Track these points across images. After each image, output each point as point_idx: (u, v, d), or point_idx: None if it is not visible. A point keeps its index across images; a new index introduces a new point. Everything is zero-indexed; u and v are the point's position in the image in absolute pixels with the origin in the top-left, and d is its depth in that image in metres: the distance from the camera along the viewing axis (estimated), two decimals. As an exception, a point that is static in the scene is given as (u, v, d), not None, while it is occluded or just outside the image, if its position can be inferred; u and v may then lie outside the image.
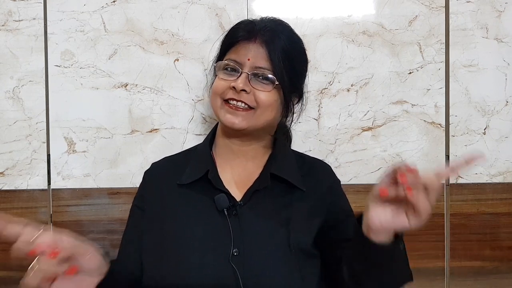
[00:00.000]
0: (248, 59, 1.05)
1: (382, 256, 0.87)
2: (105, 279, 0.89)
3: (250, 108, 1.05)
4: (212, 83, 1.11)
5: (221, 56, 1.11)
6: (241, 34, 1.07)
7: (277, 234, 1.04)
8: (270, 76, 1.04)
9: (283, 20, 1.13)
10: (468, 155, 0.82)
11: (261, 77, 1.05)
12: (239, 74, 1.05)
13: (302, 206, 1.05)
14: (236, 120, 1.05)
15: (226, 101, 1.06)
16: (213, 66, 1.14)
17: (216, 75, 1.09)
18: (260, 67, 1.04)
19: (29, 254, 0.80)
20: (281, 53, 1.05)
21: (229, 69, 1.07)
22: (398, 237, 0.87)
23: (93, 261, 0.87)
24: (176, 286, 0.96)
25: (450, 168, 0.85)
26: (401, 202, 0.82)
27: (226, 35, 1.11)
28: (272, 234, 1.04)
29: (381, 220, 0.84)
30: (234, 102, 1.05)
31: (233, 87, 1.04)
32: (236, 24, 1.12)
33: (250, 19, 1.13)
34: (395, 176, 0.82)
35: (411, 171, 0.81)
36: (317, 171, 1.14)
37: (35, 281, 0.80)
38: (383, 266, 0.89)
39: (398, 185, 0.82)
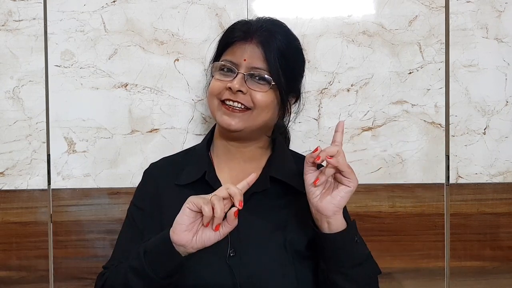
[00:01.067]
0: (244, 60, 1.05)
1: (341, 240, 0.97)
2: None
3: (247, 108, 1.05)
4: (209, 84, 1.11)
5: (217, 56, 1.11)
6: (237, 34, 1.07)
7: (274, 235, 1.05)
8: (266, 76, 1.04)
9: (281, 20, 1.13)
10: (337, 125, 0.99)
11: (257, 78, 1.05)
12: (235, 74, 1.05)
13: (300, 208, 1.05)
14: (233, 122, 1.05)
15: (223, 102, 1.06)
16: (210, 67, 1.14)
17: (213, 76, 1.10)
18: (256, 68, 1.04)
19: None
20: (277, 53, 1.05)
21: (225, 69, 1.07)
22: (348, 225, 0.99)
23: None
24: (173, 286, 0.96)
25: (334, 135, 0.99)
26: (327, 183, 0.97)
27: (222, 36, 1.12)
28: (268, 235, 1.04)
29: (332, 202, 0.96)
30: (231, 102, 1.05)
31: (229, 88, 1.04)
32: (232, 25, 1.12)
33: (246, 19, 1.13)
34: (312, 164, 0.96)
35: (316, 150, 0.95)
36: None
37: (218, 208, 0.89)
38: (343, 254, 0.98)
39: (318, 170, 0.97)
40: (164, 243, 0.93)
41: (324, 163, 0.96)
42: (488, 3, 1.40)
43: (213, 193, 0.91)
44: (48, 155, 1.37)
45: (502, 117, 1.41)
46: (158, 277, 0.93)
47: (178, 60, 1.38)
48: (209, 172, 1.09)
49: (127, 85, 1.38)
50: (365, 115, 1.40)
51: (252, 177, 0.94)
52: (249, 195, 1.05)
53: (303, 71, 1.16)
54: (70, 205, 1.37)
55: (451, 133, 1.41)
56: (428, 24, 1.39)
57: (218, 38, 1.14)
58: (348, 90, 1.40)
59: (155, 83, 1.38)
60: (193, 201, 0.90)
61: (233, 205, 0.91)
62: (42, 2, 1.36)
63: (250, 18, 1.17)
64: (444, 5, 1.39)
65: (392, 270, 1.39)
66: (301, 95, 1.16)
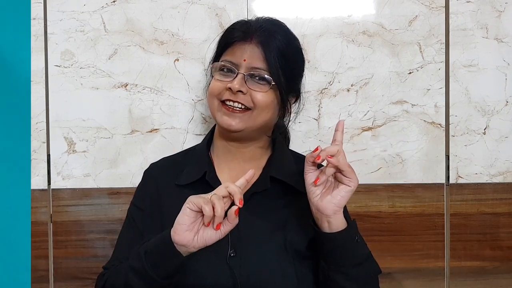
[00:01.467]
0: (244, 60, 1.04)
1: (342, 239, 0.97)
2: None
3: (247, 109, 1.05)
4: (209, 84, 1.11)
5: (217, 57, 1.11)
6: (236, 35, 1.07)
7: (274, 235, 1.04)
8: (266, 76, 1.04)
9: (281, 20, 1.13)
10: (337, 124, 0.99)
11: (257, 78, 1.05)
12: (235, 75, 1.05)
13: (300, 208, 1.05)
14: (233, 122, 1.05)
15: (223, 102, 1.06)
16: (209, 67, 1.14)
17: (213, 76, 1.09)
18: (256, 68, 1.04)
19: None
20: (277, 53, 1.04)
21: (225, 70, 1.07)
22: (348, 224, 0.99)
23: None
24: (174, 286, 0.96)
25: (335, 135, 0.99)
26: (328, 182, 0.97)
27: (222, 36, 1.11)
28: (269, 235, 1.04)
29: (333, 201, 0.96)
30: (231, 103, 1.05)
31: (229, 88, 1.04)
32: (232, 25, 1.12)
33: (246, 19, 1.13)
34: (313, 163, 0.96)
35: (316, 150, 0.95)
36: None
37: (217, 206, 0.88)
38: (343, 253, 0.98)
39: (318, 169, 0.97)
40: (165, 243, 0.93)
41: (324, 163, 0.96)
42: (488, 3, 1.40)
43: (212, 192, 0.91)
44: (48, 155, 1.37)
45: (502, 117, 1.41)
46: (159, 277, 0.93)
47: (178, 60, 1.38)
48: (209, 172, 1.08)
49: (127, 85, 1.38)
50: (365, 115, 1.40)
51: (250, 174, 0.94)
52: (249, 195, 1.06)
53: (303, 71, 1.16)
54: (70, 205, 1.37)
55: (451, 133, 1.41)
56: (428, 24, 1.39)
57: (218, 38, 1.13)
58: (348, 90, 1.40)
59: (155, 83, 1.38)
60: (193, 201, 0.90)
61: (233, 203, 0.91)
62: (42, 2, 1.36)
63: (250, 18, 1.16)
64: (444, 5, 1.39)
65: (392, 270, 1.39)
66: (301, 95, 1.16)
